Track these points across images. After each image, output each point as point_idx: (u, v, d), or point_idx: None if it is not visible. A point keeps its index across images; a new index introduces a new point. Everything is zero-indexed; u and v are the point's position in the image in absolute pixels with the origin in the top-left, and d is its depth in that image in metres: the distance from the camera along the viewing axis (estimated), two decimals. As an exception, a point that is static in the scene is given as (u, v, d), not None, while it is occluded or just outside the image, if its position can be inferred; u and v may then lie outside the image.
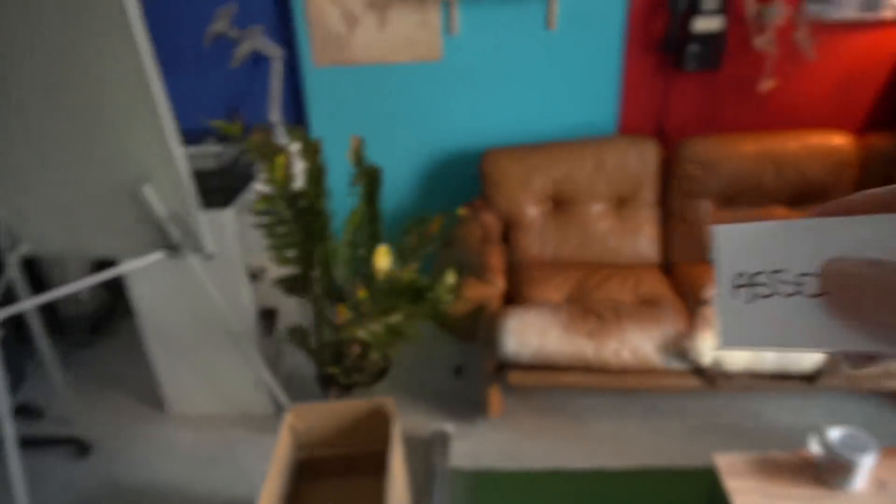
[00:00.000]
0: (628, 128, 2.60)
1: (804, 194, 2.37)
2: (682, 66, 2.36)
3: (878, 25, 2.33)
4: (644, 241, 2.50)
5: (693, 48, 2.32)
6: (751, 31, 2.31)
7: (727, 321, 0.27)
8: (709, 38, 2.30)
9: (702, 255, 2.44)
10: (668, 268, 2.48)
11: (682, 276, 2.36)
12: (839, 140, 2.33)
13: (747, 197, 2.41)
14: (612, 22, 2.42)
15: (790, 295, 0.26)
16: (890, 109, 2.37)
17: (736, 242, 0.28)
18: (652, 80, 2.49)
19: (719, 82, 2.45)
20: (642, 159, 2.46)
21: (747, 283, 0.27)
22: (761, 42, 2.30)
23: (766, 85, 2.36)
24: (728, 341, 0.28)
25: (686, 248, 2.48)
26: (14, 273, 1.87)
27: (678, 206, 2.48)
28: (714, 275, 0.28)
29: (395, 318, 2.01)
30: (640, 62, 2.47)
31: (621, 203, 2.52)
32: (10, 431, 1.53)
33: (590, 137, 2.53)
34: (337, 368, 2.09)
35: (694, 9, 2.26)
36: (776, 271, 0.26)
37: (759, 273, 0.27)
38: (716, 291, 0.28)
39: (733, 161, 2.38)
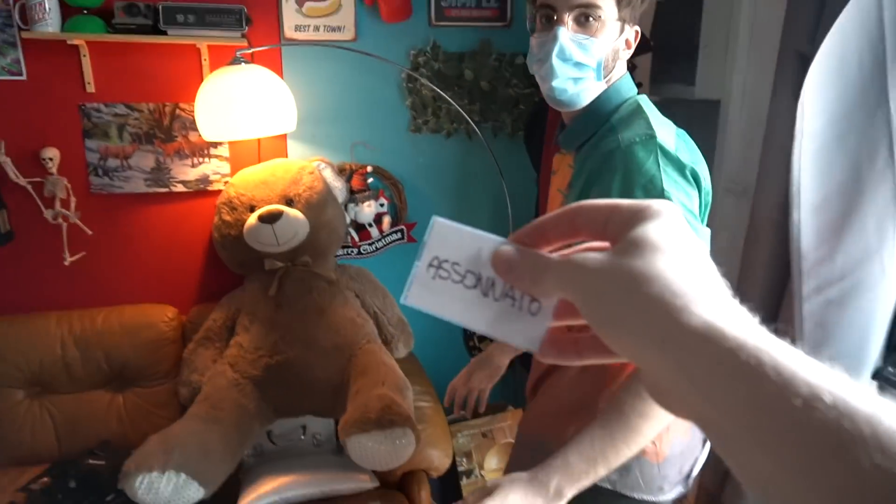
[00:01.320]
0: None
1: (121, 375, 2.18)
2: (-48, 241, 2.03)
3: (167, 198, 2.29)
4: (-69, 447, 2.02)
5: (-42, 222, 2.02)
6: (41, 203, 2.12)
7: (416, 287, 0.38)
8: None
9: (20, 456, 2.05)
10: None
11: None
12: (158, 314, 2.22)
13: (59, 383, 2.13)
14: None
15: (456, 282, 0.38)
16: (213, 280, 2.38)
17: (442, 234, 0.38)
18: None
19: (24, 256, 2.18)
20: (-84, 350, 2.02)
21: (437, 265, 0.38)
22: (51, 215, 2.12)
23: (71, 258, 2.17)
24: (411, 300, 0.38)
25: (-12, 449, 2.07)
26: None
27: (-27, 400, 2.08)
28: (421, 250, 0.38)
29: None
30: (-85, 232, 2.07)
31: None
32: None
33: None
34: None
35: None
36: (455, 263, 0.38)
37: (446, 261, 0.38)
38: (417, 263, 0.38)
39: (32, 344, 2.09)
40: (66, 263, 2.17)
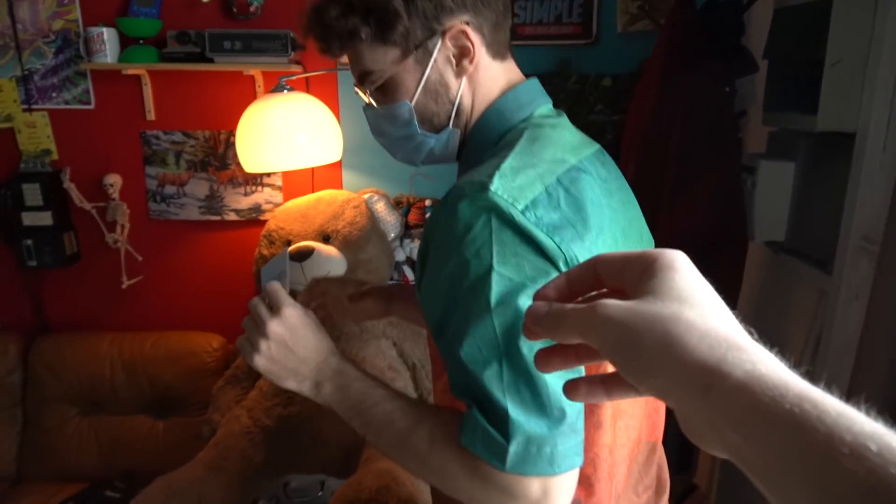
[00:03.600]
0: (10, 322, 2.28)
1: (163, 402, 2.17)
2: (23, 260, 2.13)
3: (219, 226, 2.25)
4: (-3, 452, 2.15)
5: (28, 242, 2.11)
6: (104, 227, 2.17)
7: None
8: (43, 233, 2.11)
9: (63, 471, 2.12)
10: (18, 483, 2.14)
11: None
12: (203, 343, 2.20)
13: (107, 404, 2.17)
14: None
15: None
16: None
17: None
18: (17, 273, 2.23)
19: (87, 277, 2.25)
20: (-10, 359, 2.16)
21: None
22: (111, 239, 2.17)
23: (128, 282, 2.21)
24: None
25: (43, 461, 2.16)
26: None
27: (34, 412, 2.18)
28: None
29: None
30: (1, 253, 2.22)
31: (-24, 406, 2.17)
32: None
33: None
34: None
35: (20, 203, 2.08)
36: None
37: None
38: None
39: (85, 363, 2.15)
40: (123, 287, 2.21)
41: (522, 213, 0.65)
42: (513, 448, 0.62)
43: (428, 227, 0.74)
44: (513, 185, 0.67)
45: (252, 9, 1.98)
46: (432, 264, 0.70)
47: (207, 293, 2.27)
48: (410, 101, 0.79)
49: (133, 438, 2.14)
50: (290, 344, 0.76)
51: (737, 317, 0.35)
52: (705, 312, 0.34)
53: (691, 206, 1.65)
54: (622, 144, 1.81)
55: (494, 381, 0.63)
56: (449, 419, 0.71)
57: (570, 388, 0.40)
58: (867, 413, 0.28)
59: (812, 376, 0.29)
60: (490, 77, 0.80)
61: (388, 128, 0.83)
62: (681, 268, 0.36)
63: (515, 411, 0.62)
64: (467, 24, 0.76)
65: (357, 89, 0.85)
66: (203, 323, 2.24)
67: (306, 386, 0.77)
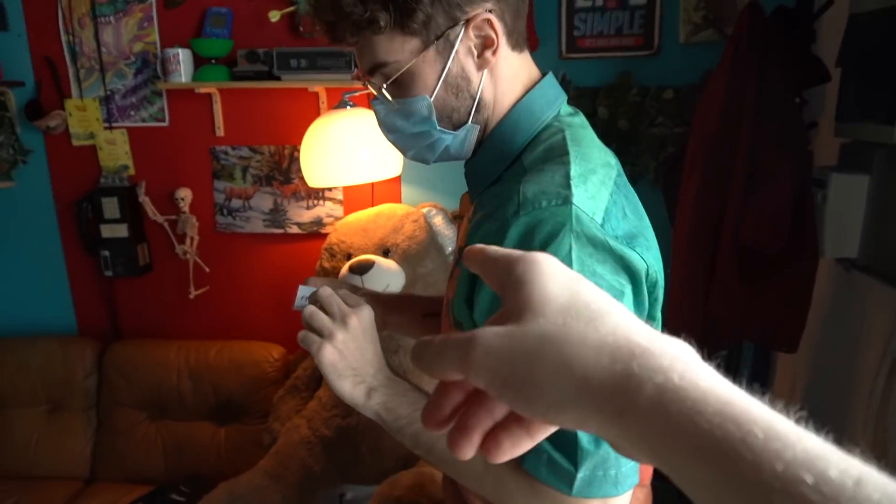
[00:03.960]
0: (88, 329, 2.42)
1: (225, 409, 2.24)
2: (101, 270, 2.25)
3: (282, 239, 2.30)
4: (71, 452, 2.26)
5: (105, 253, 2.23)
6: (175, 239, 2.27)
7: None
8: (119, 244, 2.22)
9: (132, 473, 2.21)
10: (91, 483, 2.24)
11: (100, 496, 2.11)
12: (264, 353, 2.26)
13: (173, 410, 2.25)
14: (48, 220, 2.32)
15: None
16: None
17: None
18: (96, 282, 2.36)
19: (157, 287, 2.35)
20: (68, 362, 2.27)
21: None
22: (181, 251, 2.26)
23: (195, 292, 2.30)
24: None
25: (114, 463, 2.25)
26: None
27: (107, 414, 2.28)
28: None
29: None
30: (81, 264, 2.35)
31: (55, 409, 2.29)
32: None
33: (18, 337, 2.33)
34: None
35: (99, 216, 2.20)
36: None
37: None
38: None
39: (154, 370, 2.24)
40: (191, 297, 2.29)
41: (602, 226, 0.63)
42: (581, 474, 0.61)
43: (482, 237, 0.69)
44: (587, 195, 0.64)
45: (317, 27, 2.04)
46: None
47: (269, 304, 2.33)
48: (430, 96, 0.73)
49: (196, 444, 2.20)
50: (361, 342, 0.74)
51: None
52: (594, 317, 0.29)
53: (759, 221, 1.60)
54: (686, 156, 1.77)
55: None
56: None
57: (492, 447, 0.32)
58: (799, 421, 0.24)
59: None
60: (511, 69, 0.76)
61: (401, 123, 0.77)
62: (552, 271, 0.31)
63: (586, 438, 0.61)
64: (490, 11, 0.71)
65: (361, 82, 0.81)
66: (265, 333, 2.31)
67: (360, 390, 0.73)
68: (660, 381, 0.26)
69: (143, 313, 2.37)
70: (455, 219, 2.18)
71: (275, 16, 2.01)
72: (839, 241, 1.68)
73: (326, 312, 0.75)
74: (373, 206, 2.19)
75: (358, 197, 2.23)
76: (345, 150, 1.91)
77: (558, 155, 0.70)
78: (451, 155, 0.80)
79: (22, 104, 2.20)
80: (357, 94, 2.03)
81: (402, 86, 0.74)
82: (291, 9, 2.05)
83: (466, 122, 0.76)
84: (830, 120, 1.72)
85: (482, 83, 0.74)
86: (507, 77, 0.76)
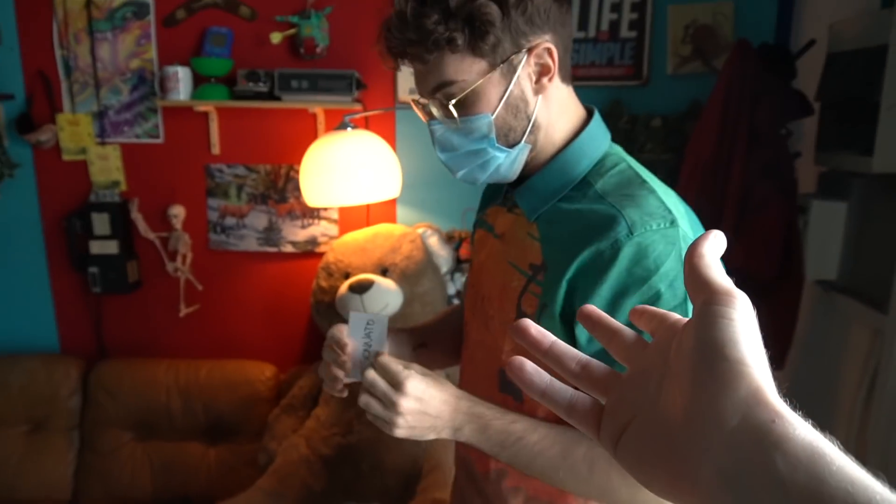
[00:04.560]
0: (71, 347, 2.37)
1: (216, 429, 2.21)
2: (88, 287, 2.21)
3: (276, 257, 2.30)
4: (53, 474, 2.19)
5: (94, 270, 2.19)
6: (166, 256, 2.25)
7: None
8: (108, 261, 2.19)
9: (117, 495, 2.16)
10: (74, 507, 2.17)
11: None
12: (256, 371, 2.24)
13: (161, 429, 2.21)
14: (33, 235, 2.27)
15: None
16: (315, 341, 2.36)
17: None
18: (82, 299, 2.31)
19: (147, 304, 2.32)
20: (51, 381, 2.22)
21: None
22: (172, 268, 2.24)
23: (185, 310, 2.28)
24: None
25: (98, 485, 2.19)
26: None
27: (91, 435, 2.23)
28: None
29: None
30: (67, 280, 2.30)
31: (36, 429, 2.23)
32: None
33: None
34: None
35: (89, 232, 2.17)
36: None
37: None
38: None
39: (142, 388, 2.20)
40: (181, 315, 2.27)
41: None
42: None
43: (586, 259, 0.75)
44: (684, 219, 0.73)
45: (318, 49, 2.08)
46: (601, 294, 0.73)
47: (262, 323, 2.32)
48: (492, 114, 0.79)
49: (185, 464, 2.17)
50: (423, 410, 0.78)
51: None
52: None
53: (752, 247, 1.68)
54: (679, 183, 1.85)
55: None
56: (592, 444, 0.76)
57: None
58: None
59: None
60: (561, 98, 0.83)
61: (459, 141, 0.82)
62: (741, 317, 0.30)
63: None
64: (550, 42, 0.78)
65: (418, 103, 0.85)
66: (257, 352, 2.29)
67: (446, 434, 0.79)
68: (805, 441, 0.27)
69: (131, 331, 2.33)
70: (449, 239, 2.23)
71: (276, 37, 2.04)
72: (819, 264, 1.78)
73: (384, 377, 0.79)
74: (368, 225, 2.22)
75: (353, 217, 2.25)
76: (344, 170, 1.93)
77: (638, 183, 0.78)
78: (500, 174, 0.85)
79: (11, 118, 2.17)
80: (357, 115, 2.07)
81: (465, 105, 0.79)
82: (292, 31, 2.08)
83: (520, 141, 0.82)
84: (811, 149, 1.83)
85: (538, 106, 0.81)
86: (558, 103, 0.83)
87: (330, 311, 2.01)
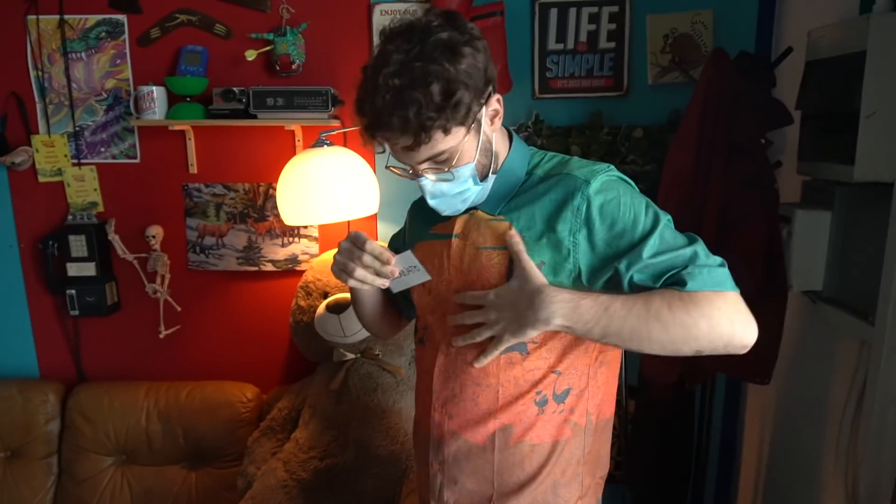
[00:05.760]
0: (50, 371, 2.33)
1: (197, 452, 2.17)
2: (65, 310, 2.18)
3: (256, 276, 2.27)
4: (32, 502, 2.15)
5: (71, 292, 2.16)
6: (145, 278, 2.22)
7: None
8: (86, 283, 2.16)
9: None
10: (52, 536, 2.13)
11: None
12: (237, 393, 2.20)
13: (141, 454, 2.17)
14: (9, 258, 2.24)
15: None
16: (296, 361, 2.32)
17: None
18: (60, 322, 2.28)
19: (126, 326, 2.29)
20: (28, 407, 2.18)
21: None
22: (151, 289, 2.21)
23: (165, 332, 2.24)
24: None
25: (76, 512, 2.15)
26: None
27: (69, 461, 2.18)
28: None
29: None
30: (44, 304, 2.27)
31: (13, 456, 2.19)
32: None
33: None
34: None
35: (66, 254, 2.14)
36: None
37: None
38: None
39: (121, 413, 2.16)
40: (161, 336, 2.23)
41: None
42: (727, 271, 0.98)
43: (553, 210, 0.99)
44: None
45: (294, 66, 2.06)
46: (613, 216, 0.96)
47: (243, 343, 2.29)
48: (473, 162, 0.98)
49: (166, 489, 2.13)
50: (511, 303, 0.97)
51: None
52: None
53: (734, 258, 1.64)
54: (659, 194, 1.82)
55: (700, 248, 0.96)
56: (664, 291, 0.94)
57: None
58: None
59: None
60: (499, 127, 1.05)
61: (448, 188, 0.99)
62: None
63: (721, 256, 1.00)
64: (496, 91, 0.98)
65: (397, 169, 1.01)
66: (238, 373, 2.26)
67: (540, 328, 0.95)
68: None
69: (110, 354, 2.30)
70: (431, 255, 2.19)
71: (251, 55, 2.02)
72: (805, 274, 1.74)
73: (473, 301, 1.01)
74: (349, 242, 2.19)
75: (334, 234, 2.22)
76: (322, 188, 1.90)
77: (568, 159, 1.05)
78: (476, 201, 1.04)
79: (-15, 140, 2.15)
80: (334, 132, 2.04)
81: (449, 162, 0.96)
82: (268, 48, 2.06)
83: (488, 173, 1.02)
84: (793, 158, 1.80)
85: (494, 141, 1.03)
86: (498, 133, 1.06)
87: (309, 330, 1.98)
